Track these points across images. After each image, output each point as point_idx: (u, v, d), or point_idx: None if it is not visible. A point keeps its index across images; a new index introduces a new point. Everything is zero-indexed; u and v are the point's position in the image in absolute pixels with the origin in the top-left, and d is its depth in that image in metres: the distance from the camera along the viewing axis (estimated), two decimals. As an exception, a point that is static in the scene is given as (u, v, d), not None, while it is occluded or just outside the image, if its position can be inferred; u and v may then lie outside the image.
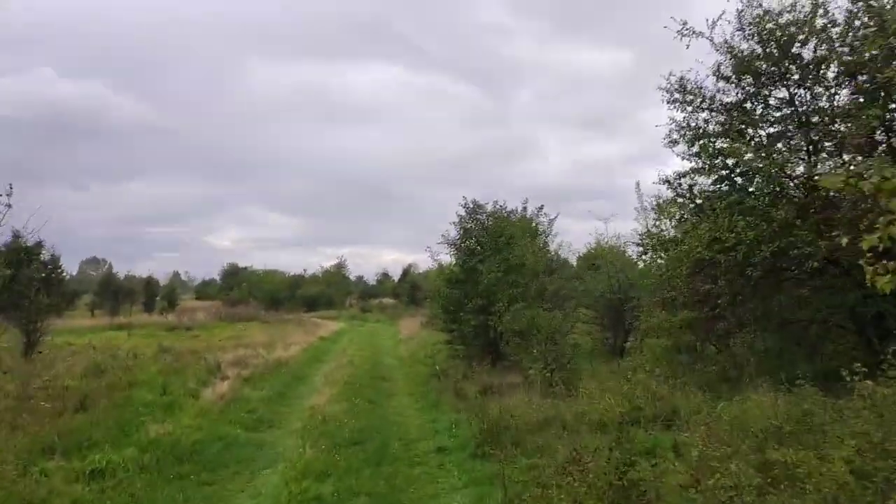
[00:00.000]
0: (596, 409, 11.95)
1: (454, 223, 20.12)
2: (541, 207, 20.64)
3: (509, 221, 19.99)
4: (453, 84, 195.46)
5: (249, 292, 75.13)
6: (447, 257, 20.80)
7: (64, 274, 58.37)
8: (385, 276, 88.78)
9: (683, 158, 15.91)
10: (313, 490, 9.05)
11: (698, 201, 15.57)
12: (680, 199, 16.33)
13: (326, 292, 70.66)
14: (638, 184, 22.38)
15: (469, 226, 19.91)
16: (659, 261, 17.57)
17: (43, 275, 54.30)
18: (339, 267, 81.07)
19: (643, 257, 20.31)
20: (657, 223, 21.23)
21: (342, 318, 59.31)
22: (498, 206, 20.09)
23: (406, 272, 77.89)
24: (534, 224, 22.19)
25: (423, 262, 75.44)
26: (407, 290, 68.92)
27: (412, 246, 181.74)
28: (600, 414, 11.62)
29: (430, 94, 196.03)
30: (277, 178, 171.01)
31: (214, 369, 19.06)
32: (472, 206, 19.88)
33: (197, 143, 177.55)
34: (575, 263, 31.13)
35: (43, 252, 54.82)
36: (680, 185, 16.24)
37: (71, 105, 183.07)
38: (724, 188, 14.46)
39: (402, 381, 20.13)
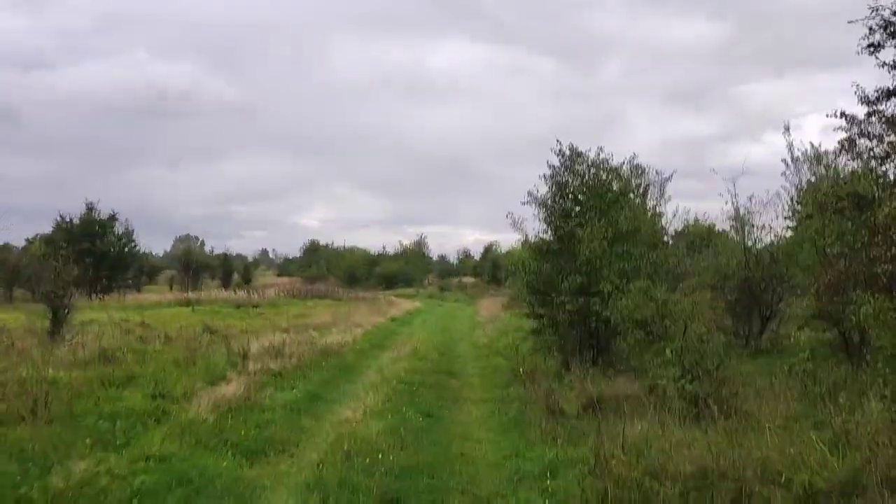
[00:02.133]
0: (791, 458, 6.95)
1: (544, 176, 15.15)
2: (640, 169, 15.36)
3: (617, 174, 14.90)
4: (536, 59, 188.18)
5: (327, 269, 72.44)
6: (534, 223, 15.75)
7: (138, 248, 56.53)
8: (466, 255, 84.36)
9: (893, 68, 10.64)
10: None
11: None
12: (882, 130, 11.00)
13: (405, 270, 66.76)
14: (787, 127, 16.93)
15: (564, 179, 14.88)
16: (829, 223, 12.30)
17: (115, 249, 52.74)
18: (419, 244, 77.13)
19: (801, 223, 14.98)
20: (815, 175, 15.85)
21: (419, 297, 55.22)
22: (602, 157, 14.98)
23: (488, 250, 73.18)
24: (643, 184, 16.90)
25: (506, 242, 70.33)
26: (488, 268, 64.24)
27: (494, 226, 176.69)
28: (806, 472, 6.60)
29: (512, 69, 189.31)
30: (362, 157, 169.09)
31: (238, 360, 14.87)
32: (568, 152, 14.84)
33: (284, 123, 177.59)
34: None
35: (117, 225, 53.37)
36: (877, 111, 10.98)
37: (164, 86, 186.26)
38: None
39: (476, 380, 15.45)
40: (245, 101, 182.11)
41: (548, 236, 15.06)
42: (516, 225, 15.87)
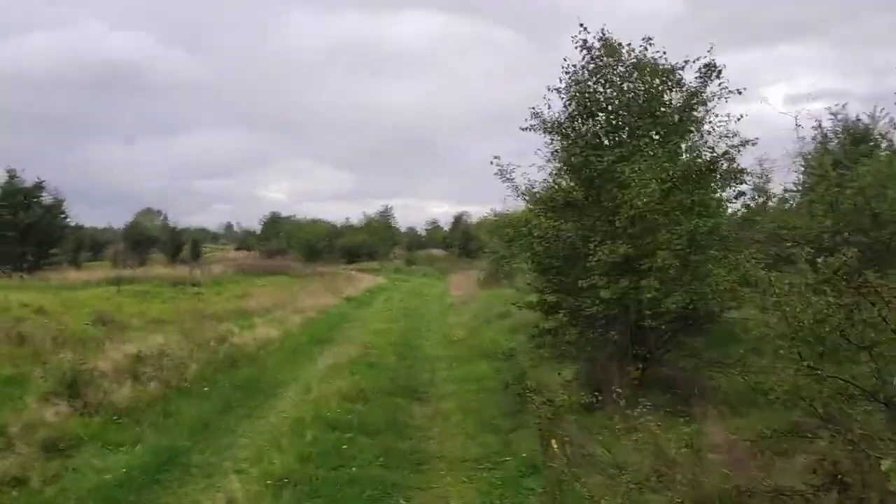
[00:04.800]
0: None
1: (557, 88, 9.21)
2: (715, 69, 9.11)
3: (677, 81, 9.01)
4: (498, 31, 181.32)
5: (287, 242, 65.98)
6: (536, 169, 9.77)
7: (69, 219, 49.63)
8: (435, 225, 78.07)
9: None
10: None
11: None
12: None
13: (369, 242, 60.46)
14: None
15: (592, 89, 8.97)
16: None
17: (43, 221, 45.73)
18: (385, 215, 70.75)
19: None
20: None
21: (384, 272, 49.21)
22: (651, 55, 9.00)
23: (458, 220, 67.10)
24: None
25: (476, 213, 64.35)
26: (459, 239, 58.32)
27: (461, 199, 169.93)
28: None
29: (474, 42, 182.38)
30: (327, 131, 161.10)
31: (68, 384, 8.81)
32: (598, 45, 8.89)
33: (245, 97, 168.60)
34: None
35: (44, 195, 46.35)
36: None
37: (121, 59, 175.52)
38: None
39: (454, 408, 9.59)
40: (204, 74, 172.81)
41: (565, 181, 9.20)
42: (505, 173, 9.95)
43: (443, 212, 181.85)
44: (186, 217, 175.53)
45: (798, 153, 15.26)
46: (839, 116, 15.95)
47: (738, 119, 8.62)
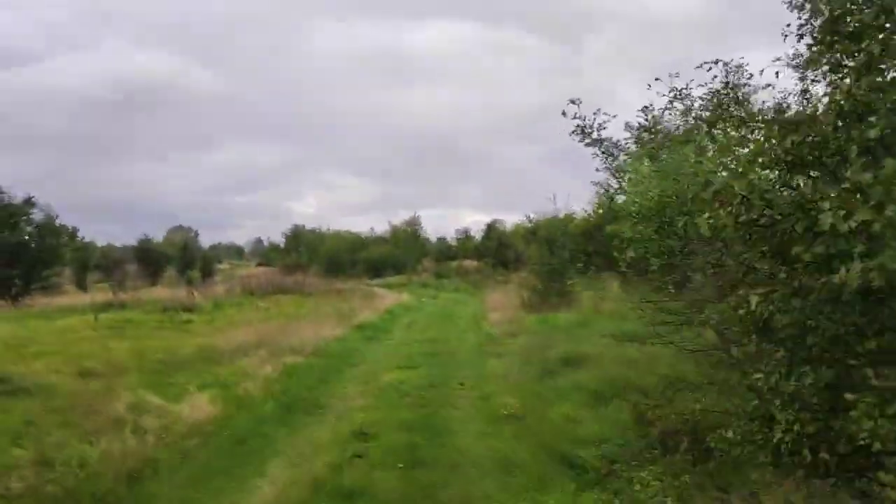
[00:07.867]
0: None
1: None
2: None
3: None
4: (524, 37, 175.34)
5: (308, 256, 60.48)
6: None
7: (75, 238, 44.68)
8: (466, 234, 71.67)
9: None
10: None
11: None
12: None
13: (394, 254, 54.63)
14: None
15: None
16: None
17: (34, 241, 40.77)
18: (412, 224, 64.75)
19: None
20: None
21: (410, 287, 43.33)
22: None
23: (491, 227, 60.78)
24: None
25: (510, 220, 58.25)
26: (493, 249, 52.04)
27: (492, 207, 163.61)
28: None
29: (500, 48, 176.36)
30: (353, 142, 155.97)
31: None
32: None
33: (271, 110, 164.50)
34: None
35: (34, 212, 41.41)
36: None
37: (145, 78, 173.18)
38: None
39: None
40: (229, 89, 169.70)
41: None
42: (588, 131, 4.24)
43: (473, 221, 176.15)
44: (218, 233, 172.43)
45: None
46: None
47: None
